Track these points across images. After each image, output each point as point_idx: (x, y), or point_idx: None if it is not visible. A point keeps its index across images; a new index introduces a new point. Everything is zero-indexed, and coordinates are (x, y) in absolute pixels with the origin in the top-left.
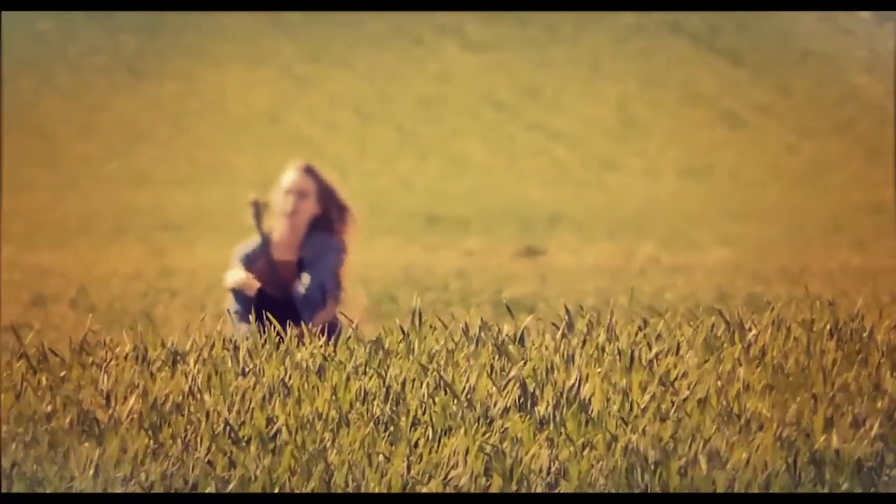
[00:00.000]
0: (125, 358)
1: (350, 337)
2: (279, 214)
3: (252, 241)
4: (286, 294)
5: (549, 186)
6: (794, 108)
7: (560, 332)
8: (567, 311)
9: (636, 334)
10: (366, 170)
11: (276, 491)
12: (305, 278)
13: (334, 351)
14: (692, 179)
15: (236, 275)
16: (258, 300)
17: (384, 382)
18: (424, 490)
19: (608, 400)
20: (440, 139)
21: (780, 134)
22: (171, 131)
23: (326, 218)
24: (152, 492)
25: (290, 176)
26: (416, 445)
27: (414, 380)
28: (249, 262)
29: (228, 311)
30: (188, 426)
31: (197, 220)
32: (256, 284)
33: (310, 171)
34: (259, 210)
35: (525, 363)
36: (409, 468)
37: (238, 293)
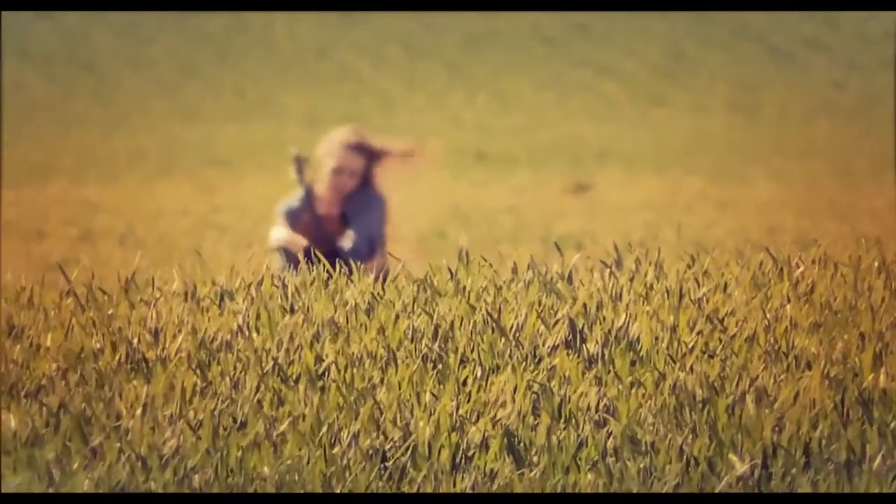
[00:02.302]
0: (174, 295)
1: (398, 276)
2: (324, 184)
3: (294, 196)
4: (332, 248)
5: (597, 122)
6: (842, 44)
7: (608, 269)
8: (615, 248)
9: (684, 272)
10: (414, 106)
11: (325, 429)
12: (352, 232)
13: (383, 290)
14: (740, 115)
15: (281, 232)
16: (305, 257)
17: (433, 320)
18: (473, 429)
19: (656, 338)
20: (489, 75)
21: (829, 69)
22: (220, 66)
23: (370, 176)
24: (200, 429)
25: (339, 154)
26: (464, 384)
27: (462, 318)
28: (294, 218)
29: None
30: (237, 364)
31: (245, 156)
32: (304, 242)
33: (359, 148)
34: (301, 165)
35: (574, 301)
36: (457, 407)
37: (284, 251)
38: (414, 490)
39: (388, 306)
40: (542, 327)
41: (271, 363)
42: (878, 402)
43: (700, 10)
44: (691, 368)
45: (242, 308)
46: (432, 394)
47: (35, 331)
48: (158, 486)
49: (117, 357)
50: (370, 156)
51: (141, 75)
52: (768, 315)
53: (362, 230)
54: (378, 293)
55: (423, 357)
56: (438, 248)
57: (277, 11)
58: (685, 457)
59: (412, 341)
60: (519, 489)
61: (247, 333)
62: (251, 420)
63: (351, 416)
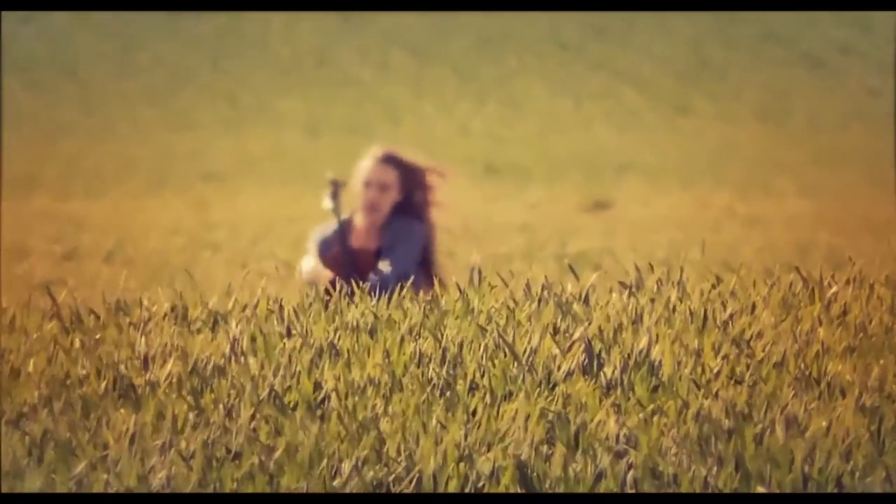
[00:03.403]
0: (164, 318)
1: (400, 294)
2: (358, 206)
3: (331, 224)
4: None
5: (617, 132)
6: (876, 48)
7: (628, 290)
8: (636, 268)
9: (709, 292)
10: (420, 114)
11: (325, 461)
12: (384, 267)
13: (387, 306)
14: (770, 123)
15: (308, 264)
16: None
17: (440, 344)
18: (483, 460)
19: (679, 363)
20: (500, 80)
21: (863, 75)
22: (213, 72)
23: (409, 202)
24: (192, 460)
25: (368, 166)
26: (473, 412)
27: (472, 341)
28: (326, 248)
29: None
30: (231, 391)
31: (240, 168)
32: (328, 275)
33: (390, 160)
34: (337, 190)
35: (590, 323)
36: (466, 436)
37: (312, 284)
38: None
39: (392, 328)
40: (557, 351)
41: (267, 390)
42: None
43: (725, 11)
44: (717, 395)
45: (237, 331)
46: (440, 422)
47: (17, 355)
48: None
49: (104, 383)
50: (402, 169)
51: (129, 82)
52: (799, 339)
53: (396, 266)
54: (380, 314)
55: (429, 383)
56: (446, 267)
57: (274, 12)
58: (710, 489)
59: (418, 366)
60: None
61: (241, 358)
62: (246, 451)
63: (352, 447)
